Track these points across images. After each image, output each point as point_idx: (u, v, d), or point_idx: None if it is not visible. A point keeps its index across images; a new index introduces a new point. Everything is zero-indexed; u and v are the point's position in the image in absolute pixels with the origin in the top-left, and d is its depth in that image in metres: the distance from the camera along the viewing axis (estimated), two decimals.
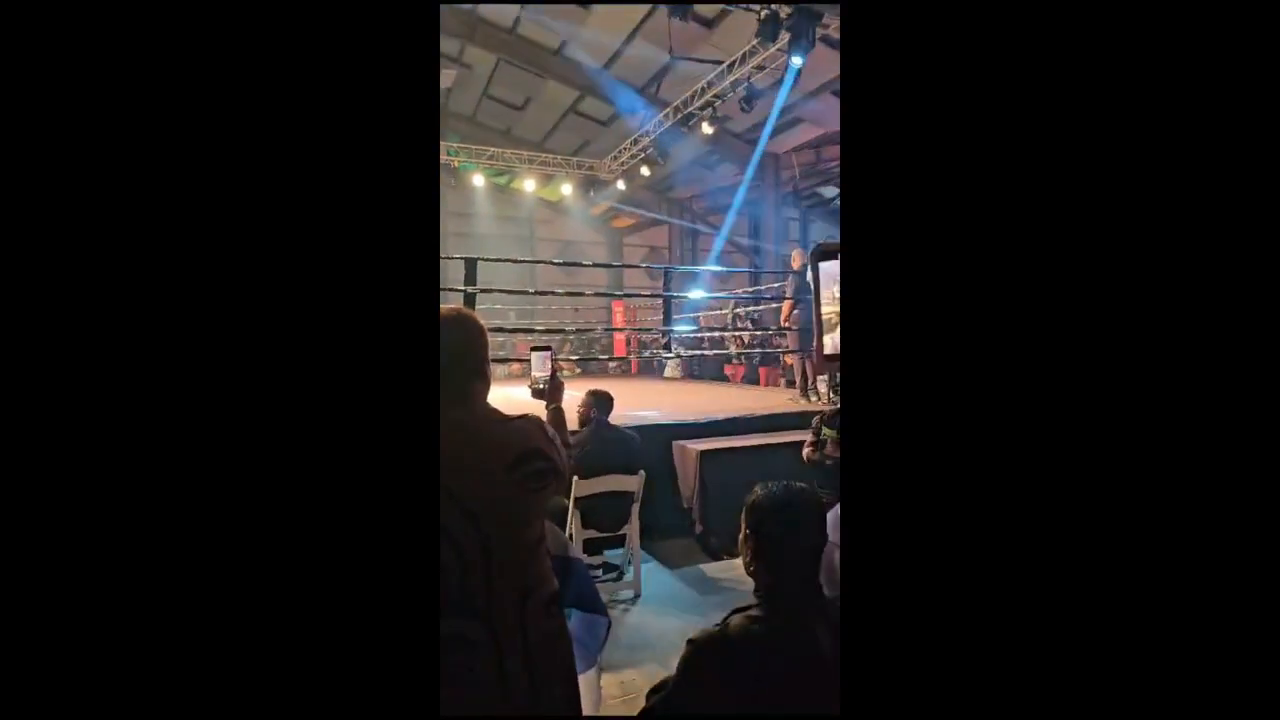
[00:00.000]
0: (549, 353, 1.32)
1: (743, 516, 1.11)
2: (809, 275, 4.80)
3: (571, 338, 10.96)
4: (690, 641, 1.02)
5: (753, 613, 1.03)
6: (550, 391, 1.32)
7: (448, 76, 9.92)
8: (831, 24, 6.75)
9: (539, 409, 1.22)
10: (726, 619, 1.04)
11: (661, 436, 3.99)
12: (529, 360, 1.33)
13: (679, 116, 8.90)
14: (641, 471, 3.07)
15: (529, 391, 1.32)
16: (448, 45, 9.46)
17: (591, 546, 3.09)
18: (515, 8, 8.68)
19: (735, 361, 8.66)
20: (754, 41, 7.23)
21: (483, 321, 1.11)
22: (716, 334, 8.38)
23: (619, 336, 10.76)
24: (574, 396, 3.88)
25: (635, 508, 3.10)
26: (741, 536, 1.10)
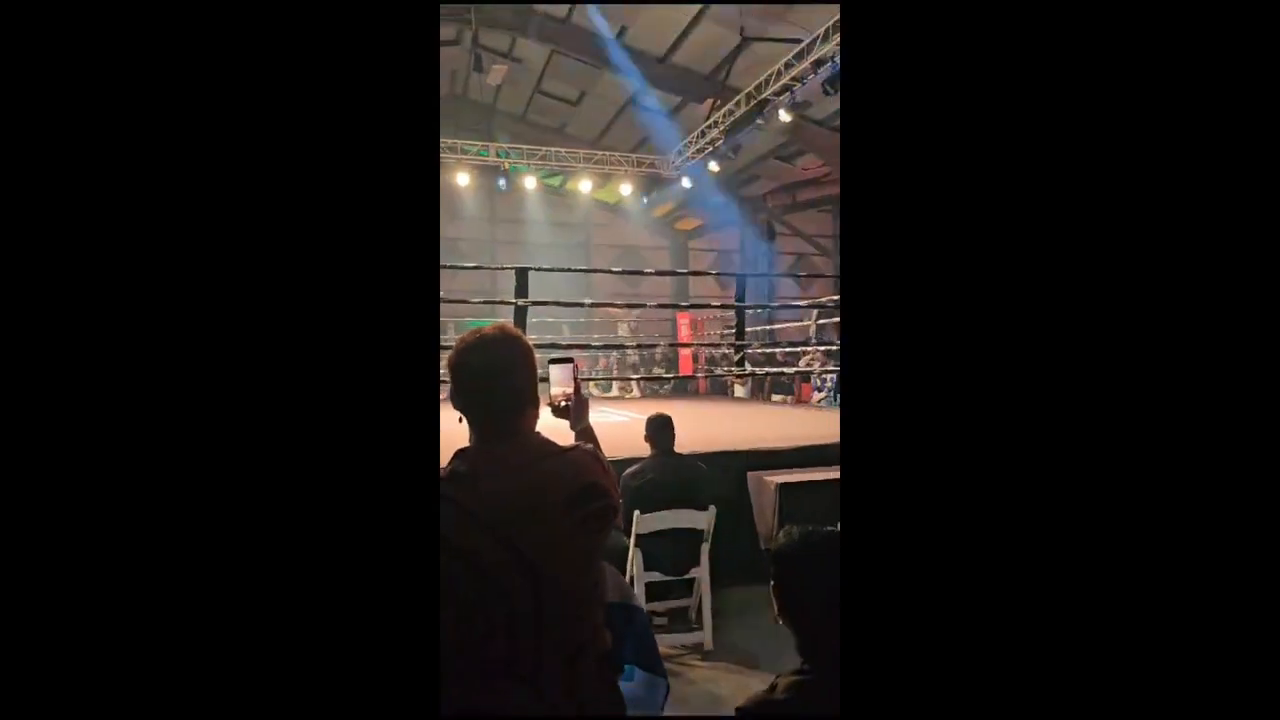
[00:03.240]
0: (571, 365, 1.29)
1: (770, 567, 1.13)
2: None
3: (631, 354, 11.06)
4: (739, 711, 1.02)
5: (801, 673, 1.03)
6: (575, 410, 1.28)
7: (497, 73, 10.24)
8: None
9: (562, 432, 1.19)
10: (774, 682, 1.05)
11: (735, 466, 3.91)
12: (565, 374, 1.29)
13: (752, 104, 8.86)
14: (712, 507, 3.00)
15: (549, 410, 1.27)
16: (498, 40, 9.78)
17: (655, 591, 3.05)
18: None
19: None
20: (839, 15, 7.15)
21: (530, 339, 1.10)
22: (795, 349, 8.24)
23: (684, 353, 10.51)
24: (635, 420, 3.85)
25: (705, 548, 3.02)
26: (770, 586, 1.12)
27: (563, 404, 1.29)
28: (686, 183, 11.11)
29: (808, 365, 7.79)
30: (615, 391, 10.11)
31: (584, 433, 1.25)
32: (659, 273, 5.32)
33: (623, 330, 11.95)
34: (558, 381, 1.30)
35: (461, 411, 1.04)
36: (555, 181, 12.25)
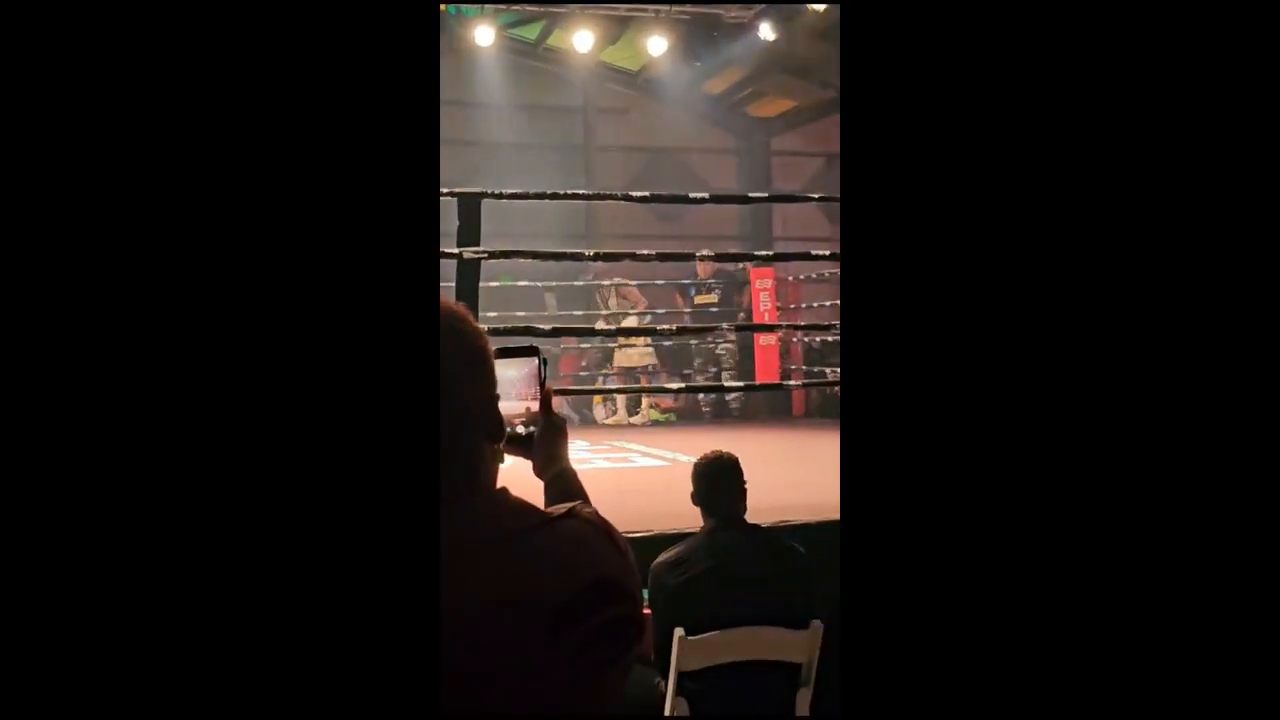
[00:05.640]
0: (535, 361, 0.94)
1: None
2: None
3: (667, 347, 6.59)
4: None
5: None
6: (542, 440, 0.92)
7: None
8: None
9: (523, 481, 0.83)
10: None
11: None
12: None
13: None
14: (816, 622, 1.91)
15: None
16: None
17: None
18: None
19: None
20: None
21: (482, 325, 0.78)
22: None
23: (766, 344, 6.31)
24: (674, 464, 3.10)
25: (804, 695, 1.93)
26: None
27: (521, 430, 0.92)
28: (767, 31, 6.28)
29: None
30: (627, 412, 6.32)
31: (558, 483, 0.91)
32: (715, 198, 3.68)
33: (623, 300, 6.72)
34: (512, 391, 0.92)
35: None
36: (529, 34, 7.45)
